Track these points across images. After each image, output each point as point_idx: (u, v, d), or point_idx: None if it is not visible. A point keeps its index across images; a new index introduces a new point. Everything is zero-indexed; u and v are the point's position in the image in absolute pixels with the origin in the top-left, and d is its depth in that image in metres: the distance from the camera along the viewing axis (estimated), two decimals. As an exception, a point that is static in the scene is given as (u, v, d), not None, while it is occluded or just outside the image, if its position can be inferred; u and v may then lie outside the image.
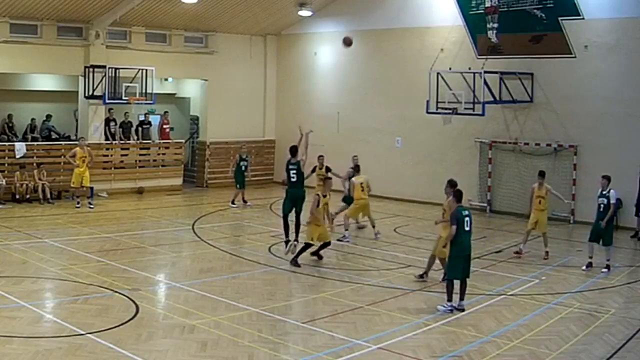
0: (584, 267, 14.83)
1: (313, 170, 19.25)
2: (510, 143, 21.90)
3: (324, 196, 14.89)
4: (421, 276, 13.74)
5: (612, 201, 14.77)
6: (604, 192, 14.90)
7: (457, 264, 11.85)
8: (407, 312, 11.84)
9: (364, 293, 13.00)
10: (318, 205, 14.55)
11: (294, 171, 14.83)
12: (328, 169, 19.10)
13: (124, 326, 10.58)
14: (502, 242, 17.73)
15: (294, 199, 14.96)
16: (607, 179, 14.99)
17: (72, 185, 21.30)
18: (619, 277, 14.54)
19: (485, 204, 22.31)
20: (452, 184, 13.18)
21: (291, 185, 15.00)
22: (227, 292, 12.72)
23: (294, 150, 15.23)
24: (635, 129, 19.56)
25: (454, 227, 11.74)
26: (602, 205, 14.88)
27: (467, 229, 11.90)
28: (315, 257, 15.09)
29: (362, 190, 17.71)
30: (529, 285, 13.72)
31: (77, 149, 21.27)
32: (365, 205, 17.84)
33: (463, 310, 11.87)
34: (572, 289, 13.52)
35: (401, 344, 10.33)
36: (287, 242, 14.74)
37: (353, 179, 17.99)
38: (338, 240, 16.94)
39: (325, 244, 15.00)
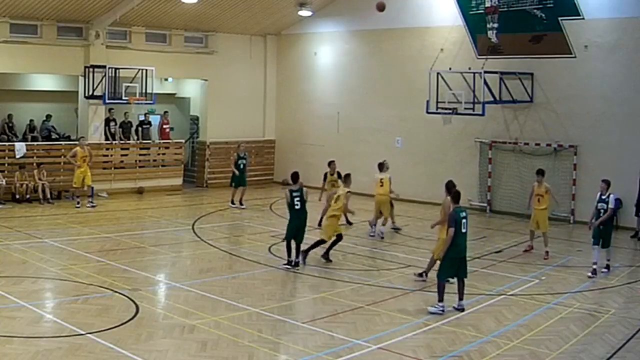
0: (589, 274, 14.51)
1: (325, 178, 19.28)
2: (510, 143, 21.90)
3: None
4: (420, 275, 13.75)
5: (611, 206, 14.54)
6: (604, 197, 14.64)
7: (450, 265, 11.82)
8: (407, 312, 11.84)
9: (364, 293, 13.00)
10: (332, 202, 15.03)
11: (298, 198, 14.68)
12: (340, 175, 19.00)
13: (124, 326, 10.58)
14: (502, 242, 17.74)
15: (298, 227, 14.76)
16: (607, 183, 14.76)
17: (74, 186, 21.31)
18: (619, 277, 14.55)
19: (485, 204, 22.31)
20: (448, 187, 13.19)
21: (295, 213, 14.73)
22: (227, 292, 12.72)
23: (295, 177, 15.06)
24: (635, 129, 19.56)
25: (452, 229, 11.69)
26: (602, 210, 14.61)
27: (463, 230, 11.87)
28: (324, 260, 15.18)
29: (382, 186, 17.88)
30: (529, 285, 13.72)
31: (78, 148, 21.29)
32: (381, 202, 17.97)
33: (463, 310, 11.86)
34: (572, 289, 13.52)
35: (401, 344, 10.34)
36: (289, 261, 14.69)
37: (376, 175, 18.21)
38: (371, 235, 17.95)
39: (339, 238, 15.25)
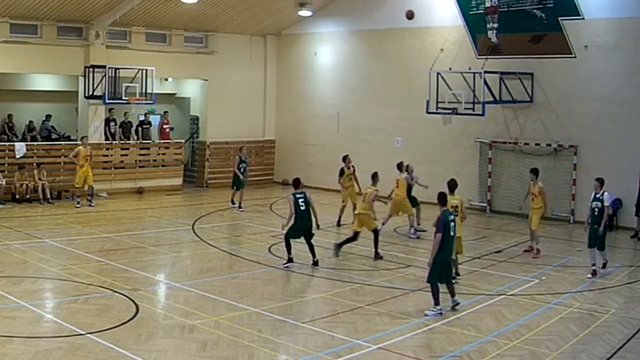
0: (589, 275, 14.34)
1: (342, 173, 19.32)
2: (510, 143, 21.90)
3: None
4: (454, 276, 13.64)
5: (606, 204, 14.27)
6: (598, 196, 14.36)
7: (440, 269, 11.72)
8: (407, 312, 11.83)
9: (364, 293, 13.00)
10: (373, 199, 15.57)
11: (302, 200, 14.81)
12: (354, 169, 19.35)
13: (124, 326, 10.58)
14: (502, 242, 17.74)
15: (303, 227, 14.83)
16: (600, 181, 14.50)
17: (76, 186, 21.28)
18: (619, 277, 14.55)
19: (485, 204, 22.31)
20: (449, 185, 13.69)
21: (301, 213, 14.78)
22: (227, 292, 12.72)
23: (297, 183, 15.23)
24: (635, 129, 19.56)
25: (440, 234, 11.56)
26: (596, 209, 14.32)
27: (452, 234, 11.85)
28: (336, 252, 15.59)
29: (397, 187, 17.96)
30: (529, 285, 13.72)
31: (81, 147, 21.28)
32: (396, 203, 17.99)
33: (458, 304, 11.84)
34: (572, 289, 13.52)
35: (401, 344, 10.34)
36: (290, 259, 14.72)
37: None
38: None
39: (356, 236, 15.74)
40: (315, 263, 14.75)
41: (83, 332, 10.18)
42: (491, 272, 14.75)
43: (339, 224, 19.21)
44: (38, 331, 10.28)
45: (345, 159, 19.52)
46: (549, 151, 21.04)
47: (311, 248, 14.84)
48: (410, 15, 20.25)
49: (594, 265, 14.44)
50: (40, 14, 21.79)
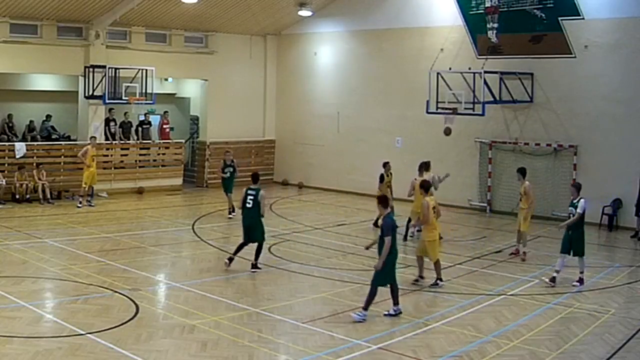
0: (546, 279, 13.74)
1: (382, 180, 18.96)
2: (510, 143, 21.91)
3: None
4: (416, 281, 13.68)
5: (579, 211, 13.67)
6: (574, 202, 13.84)
7: (389, 271, 11.53)
8: (407, 312, 11.83)
9: (364, 293, 12.92)
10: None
11: (252, 197, 14.24)
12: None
13: (124, 326, 10.58)
14: (502, 242, 17.72)
15: (248, 226, 14.37)
16: (576, 187, 14.05)
17: (83, 186, 21.21)
18: (619, 277, 14.56)
19: (485, 204, 22.31)
20: (423, 185, 14.07)
21: (246, 211, 14.33)
22: (227, 292, 12.73)
23: (255, 178, 14.68)
24: (635, 129, 19.56)
25: (389, 238, 11.31)
26: (571, 215, 13.91)
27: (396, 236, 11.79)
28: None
29: None
30: (529, 285, 13.72)
31: (89, 147, 21.23)
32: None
33: (400, 313, 11.58)
34: (572, 289, 13.52)
35: (401, 344, 10.34)
36: (231, 259, 14.44)
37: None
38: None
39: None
40: (230, 260, 14.36)
41: (83, 332, 10.18)
42: (491, 272, 14.75)
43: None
44: (38, 331, 10.28)
45: (385, 165, 19.18)
46: (549, 151, 21.04)
47: (240, 248, 14.36)
48: (448, 132, 20.83)
49: (557, 272, 13.74)
50: (40, 14, 21.79)
